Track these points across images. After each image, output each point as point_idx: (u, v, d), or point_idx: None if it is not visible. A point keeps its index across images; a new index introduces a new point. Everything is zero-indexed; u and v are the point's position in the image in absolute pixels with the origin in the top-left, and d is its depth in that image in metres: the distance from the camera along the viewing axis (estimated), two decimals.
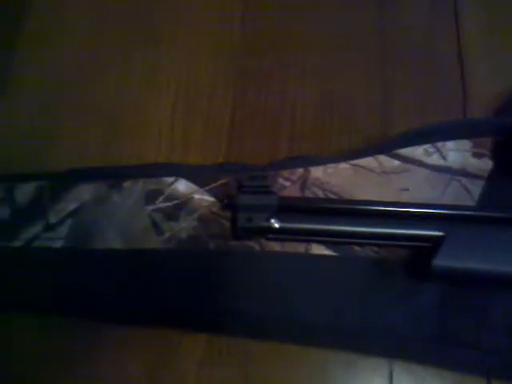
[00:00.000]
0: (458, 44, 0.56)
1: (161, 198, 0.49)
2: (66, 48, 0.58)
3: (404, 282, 0.44)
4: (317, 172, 0.49)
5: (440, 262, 0.41)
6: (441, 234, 0.42)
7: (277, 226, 0.44)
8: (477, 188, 0.47)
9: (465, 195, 0.47)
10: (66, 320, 0.46)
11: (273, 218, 0.44)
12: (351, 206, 0.45)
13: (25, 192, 0.49)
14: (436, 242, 0.42)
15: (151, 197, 0.49)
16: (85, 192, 0.49)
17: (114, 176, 0.50)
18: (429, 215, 0.43)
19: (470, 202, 0.47)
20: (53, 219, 0.48)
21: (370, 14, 0.58)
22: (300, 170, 0.49)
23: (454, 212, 0.43)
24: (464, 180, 0.48)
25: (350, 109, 0.54)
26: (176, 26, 0.59)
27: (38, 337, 0.47)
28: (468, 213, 0.43)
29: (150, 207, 0.48)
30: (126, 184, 0.49)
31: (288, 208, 0.45)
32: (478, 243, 0.41)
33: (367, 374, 0.44)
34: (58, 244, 0.47)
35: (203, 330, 0.46)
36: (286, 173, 0.49)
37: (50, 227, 0.48)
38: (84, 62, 0.58)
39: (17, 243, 0.47)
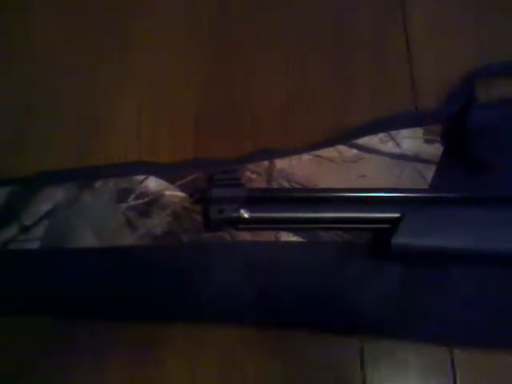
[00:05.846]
0: (406, 41, 0.60)
1: (132, 196, 0.50)
2: (33, 54, 0.59)
3: (367, 262, 0.47)
4: (281, 164, 0.52)
5: (398, 240, 0.44)
6: (398, 215, 0.45)
7: (247, 215, 0.46)
8: (429, 172, 0.51)
9: (419, 179, 0.51)
10: (41, 322, 0.48)
11: (243, 208, 0.46)
12: (315, 194, 0.48)
13: None
14: (394, 223, 0.45)
15: (123, 195, 0.50)
16: (57, 194, 0.50)
17: (85, 177, 0.51)
18: (386, 199, 0.47)
19: (423, 185, 0.50)
20: (27, 221, 0.49)
21: (326, 16, 0.61)
22: (265, 163, 0.52)
23: (410, 194, 0.47)
24: (417, 165, 0.51)
25: (310, 105, 0.57)
26: (141, 30, 0.60)
27: (13, 340, 0.48)
28: (422, 194, 0.47)
29: (123, 205, 0.50)
30: (98, 184, 0.51)
31: (257, 199, 0.47)
32: (433, 222, 0.45)
33: (340, 352, 0.47)
34: (34, 245, 0.48)
35: (182, 321, 0.48)
36: (252, 166, 0.51)
37: (25, 229, 0.49)
38: (51, 65, 0.59)
39: None
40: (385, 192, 0.47)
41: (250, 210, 0.47)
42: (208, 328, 0.48)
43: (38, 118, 0.56)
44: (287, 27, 0.61)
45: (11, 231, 0.49)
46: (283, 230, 0.48)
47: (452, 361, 0.47)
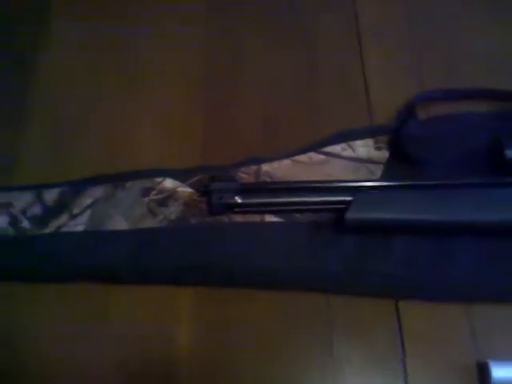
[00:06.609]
0: (363, 76, 0.78)
1: (154, 192, 0.67)
2: (68, 96, 0.78)
3: (331, 235, 0.62)
4: (266, 167, 0.68)
5: (351, 215, 0.59)
6: (351, 198, 0.61)
7: (240, 201, 0.62)
8: (379, 170, 0.67)
9: (370, 176, 0.67)
10: (83, 287, 0.63)
11: (237, 196, 0.62)
12: (291, 185, 0.64)
13: (52, 194, 0.66)
14: (349, 204, 0.61)
15: (146, 192, 0.66)
16: (97, 191, 0.66)
17: (118, 179, 0.68)
18: (344, 187, 0.63)
19: None
20: (75, 211, 0.65)
21: (300, 56, 0.80)
22: (254, 167, 0.68)
23: (361, 184, 0.63)
24: (369, 166, 0.67)
25: (288, 125, 0.74)
26: (154, 71, 0.79)
27: (58, 301, 0.63)
28: (369, 183, 0.63)
29: (146, 199, 0.66)
30: (128, 184, 0.67)
31: (247, 189, 0.63)
32: (376, 202, 0.60)
33: (309, 307, 0.61)
34: (80, 228, 0.64)
35: (192, 284, 0.63)
36: (244, 169, 0.68)
37: (73, 217, 0.65)
38: (82, 100, 0.77)
39: (49, 230, 0.64)
40: (342, 182, 0.63)
41: (242, 197, 0.62)
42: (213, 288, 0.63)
43: (76, 143, 0.74)
44: (267, 71, 0.79)
45: (63, 218, 0.65)
46: (267, 212, 0.64)
47: (397, 310, 0.61)
